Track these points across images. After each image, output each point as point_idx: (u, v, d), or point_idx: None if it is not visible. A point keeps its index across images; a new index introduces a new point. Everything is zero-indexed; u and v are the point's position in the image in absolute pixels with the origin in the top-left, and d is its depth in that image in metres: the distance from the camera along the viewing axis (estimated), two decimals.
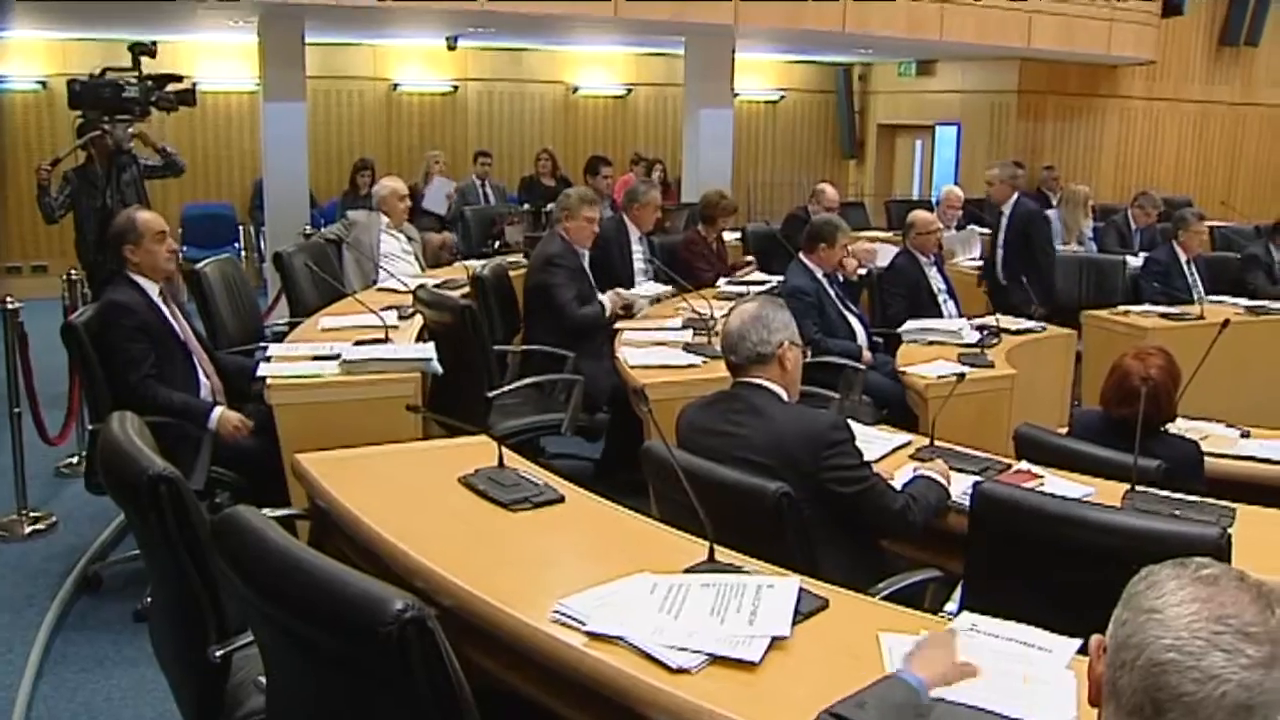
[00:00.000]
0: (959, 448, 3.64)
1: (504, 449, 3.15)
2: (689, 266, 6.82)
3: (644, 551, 2.55)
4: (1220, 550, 2.44)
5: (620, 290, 5.68)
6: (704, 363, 4.68)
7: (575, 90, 13.49)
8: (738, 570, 2.39)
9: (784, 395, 3.05)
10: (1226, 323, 4.83)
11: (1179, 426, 4.03)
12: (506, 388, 5.02)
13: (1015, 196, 7.57)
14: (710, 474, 2.78)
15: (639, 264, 6.59)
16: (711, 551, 2.45)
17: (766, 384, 3.03)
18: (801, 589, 2.29)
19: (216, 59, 11.33)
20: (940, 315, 6.18)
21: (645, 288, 6.05)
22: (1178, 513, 2.99)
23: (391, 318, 5.09)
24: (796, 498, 2.69)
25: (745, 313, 3.09)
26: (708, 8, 8.73)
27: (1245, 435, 4.28)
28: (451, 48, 11.89)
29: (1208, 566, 1.38)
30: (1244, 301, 7.15)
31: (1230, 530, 2.85)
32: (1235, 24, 12.73)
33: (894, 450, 3.62)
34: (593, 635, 2.15)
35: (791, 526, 2.68)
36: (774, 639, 2.10)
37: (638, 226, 6.64)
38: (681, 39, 10.60)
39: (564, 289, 5.55)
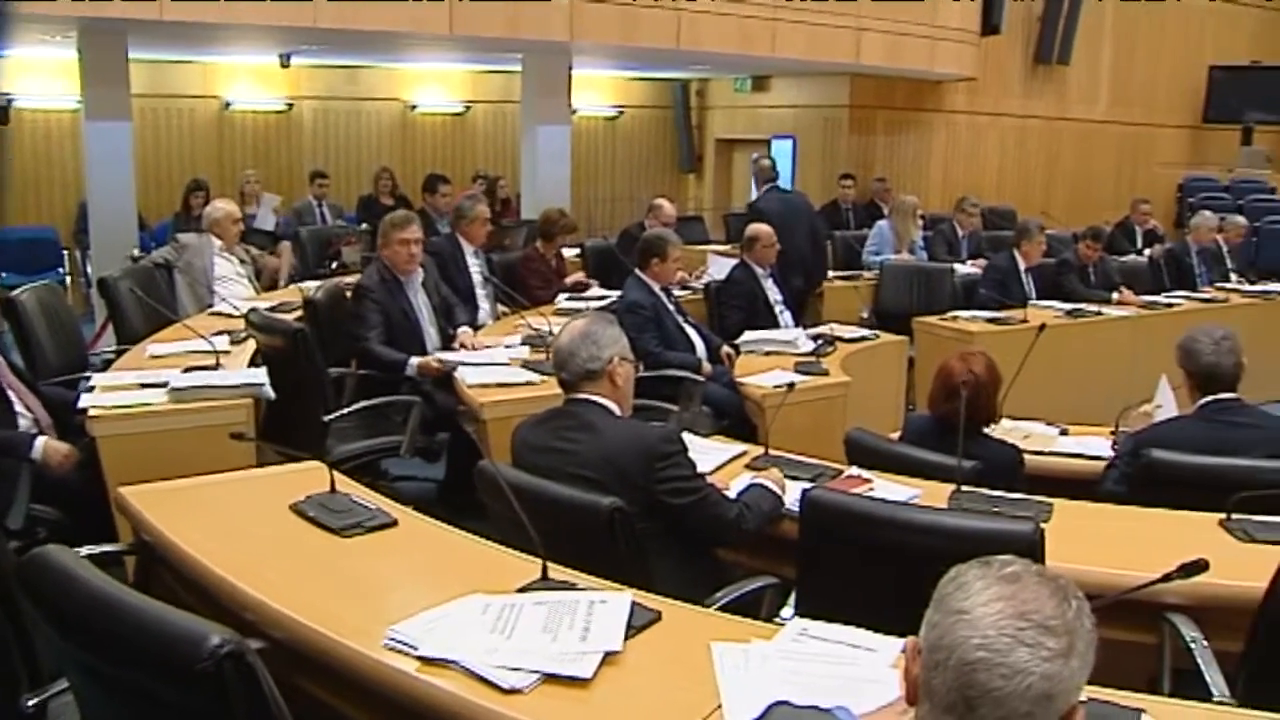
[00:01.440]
0: (793, 455, 3.72)
1: (336, 473, 3.09)
2: (526, 284, 6.83)
3: (477, 572, 2.54)
4: (1034, 545, 2.55)
5: (442, 357, 5.35)
6: (542, 380, 4.66)
7: (413, 108, 13.35)
8: (571, 587, 2.40)
9: (616, 410, 3.06)
10: (1043, 327, 5.08)
11: (1003, 427, 4.20)
12: (342, 411, 4.93)
13: (760, 192, 7.98)
14: (543, 491, 2.78)
15: (476, 278, 6.52)
16: (544, 570, 2.45)
17: (598, 399, 3.04)
18: (634, 603, 2.31)
19: (35, 75, 10.85)
20: (777, 326, 6.32)
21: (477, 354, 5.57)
22: (999, 510, 3.12)
23: (223, 343, 4.96)
24: (630, 511, 2.71)
25: (575, 330, 3.10)
26: (542, 24, 8.74)
27: (1064, 433, 4.47)
28: (285, 65, 11.65)
29: (1010, 564, 1.46)
30: (1066, 305, 7.48)
31: (1044, 525, 3.00)
32: (1047, 44, 13.34)
33: (730, 460, 3.67)
34: (425, 660, 2.13)
35: (625, 541, 2.70)
36: (606, 654, 2.11)
37: (470, 242, 6.59)
38: (519, 56, 10.60)
39: (362, 320, 5.42)
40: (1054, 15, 13.23)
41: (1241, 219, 10.33)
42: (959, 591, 1.45)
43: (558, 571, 2.48)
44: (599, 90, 14.09)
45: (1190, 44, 15.06)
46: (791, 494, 3.23)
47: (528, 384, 4.71)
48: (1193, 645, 2.70)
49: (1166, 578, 2.07)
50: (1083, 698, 2.04)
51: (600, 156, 14.26)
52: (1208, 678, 2.61)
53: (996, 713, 1.37)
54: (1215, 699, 2.55)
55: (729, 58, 10.48)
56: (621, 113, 14.47)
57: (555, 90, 10.68)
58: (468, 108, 13.59)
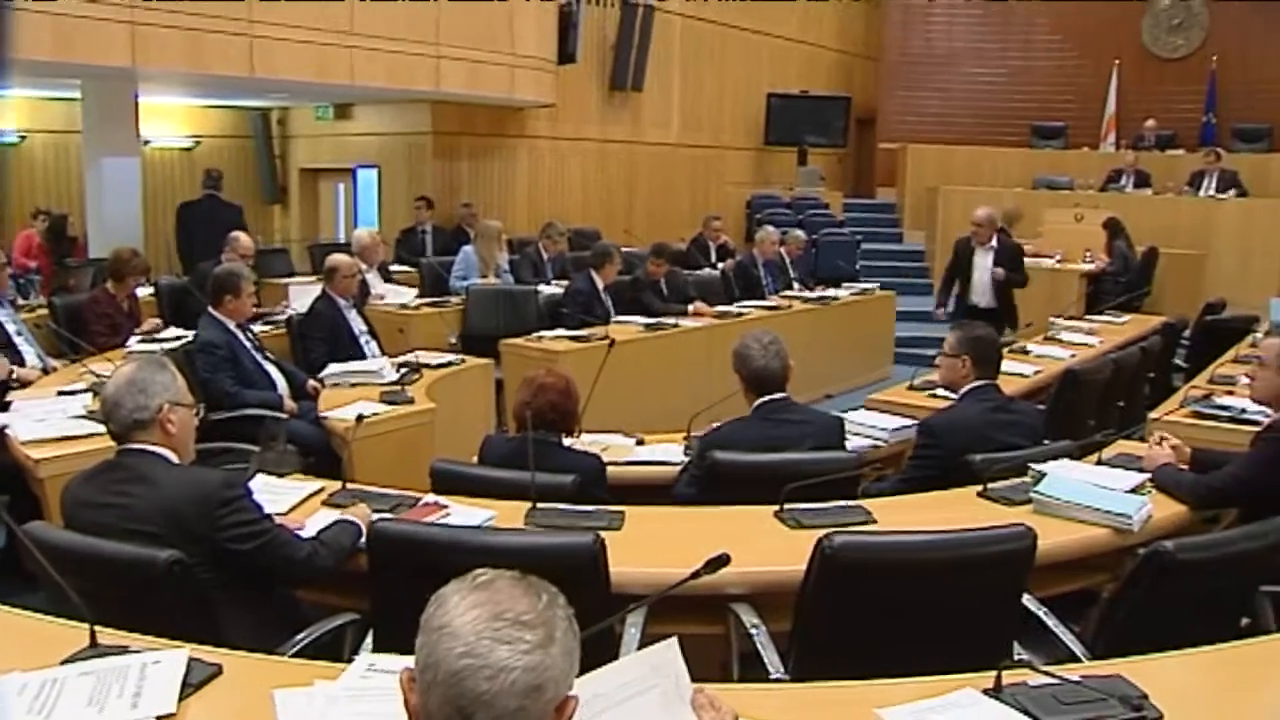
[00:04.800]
0: (374, 488, 3.67)
1: None
2: (90, 328, 6.38)
3: (17, 649, 2.34)
4: (594, 555, 2.67)
5: None
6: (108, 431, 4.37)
7: None
8: (123, 651, 2.26)
9: (173, 458, 2.91)
10: (612, 342, 5.32)
11: (583, 441, 4.36)
12: None
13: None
14: (93, 551, 2.61)
15: (10, 328, 5.96)
16: (93, 636, 2.29)
17: (153, 449, 2.88)
18: (192, 659, 2.21)
19: None
20: (363, 356, 6.22)
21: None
22: (569, 524, 3.22)
23: None
24: (191, 563, 2.59)
25: (120, 378, 2.91)
26: (99, 48, 8.13)
27: (640, 442, 4.68)
28: None
29: (484, 574, 1.54)
30: (645, 320, 7.84)
31: (614, 533, 3.14)
32: (621, 71, 13.97)
33: (306, 498, 3.58)
34: None
35: (187, 594, 2.58)
36: (159, 719, 2.01)
37: None
38: (78, 82, 9.89)
39: None
40: (626, 45, 13.88)
41: (801, 232, 11.28)
42: (439, 610, 1.50)
43: (110, 636, 2.33)
44: (172, 119, 13.35)
45: (750, 74, 16.31)
46: None
47: (93, 435, 4.38)
48: (753, 631, 2.92)
49: (695, 575, 2.21)
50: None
51: (177, 189, 13.47)
52: (766, 659, 2.84)
53: (490, 714, 1.42)
54: (773, 677, 2.77)
55: (307, 86, 10.22)
56: (198, 143, 13.78)
57: (121, 119, 10.07)
58: (23, 137, 12.48)
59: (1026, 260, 10.92)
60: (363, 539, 3.13)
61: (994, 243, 8.77)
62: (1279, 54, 14.98)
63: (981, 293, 8.81)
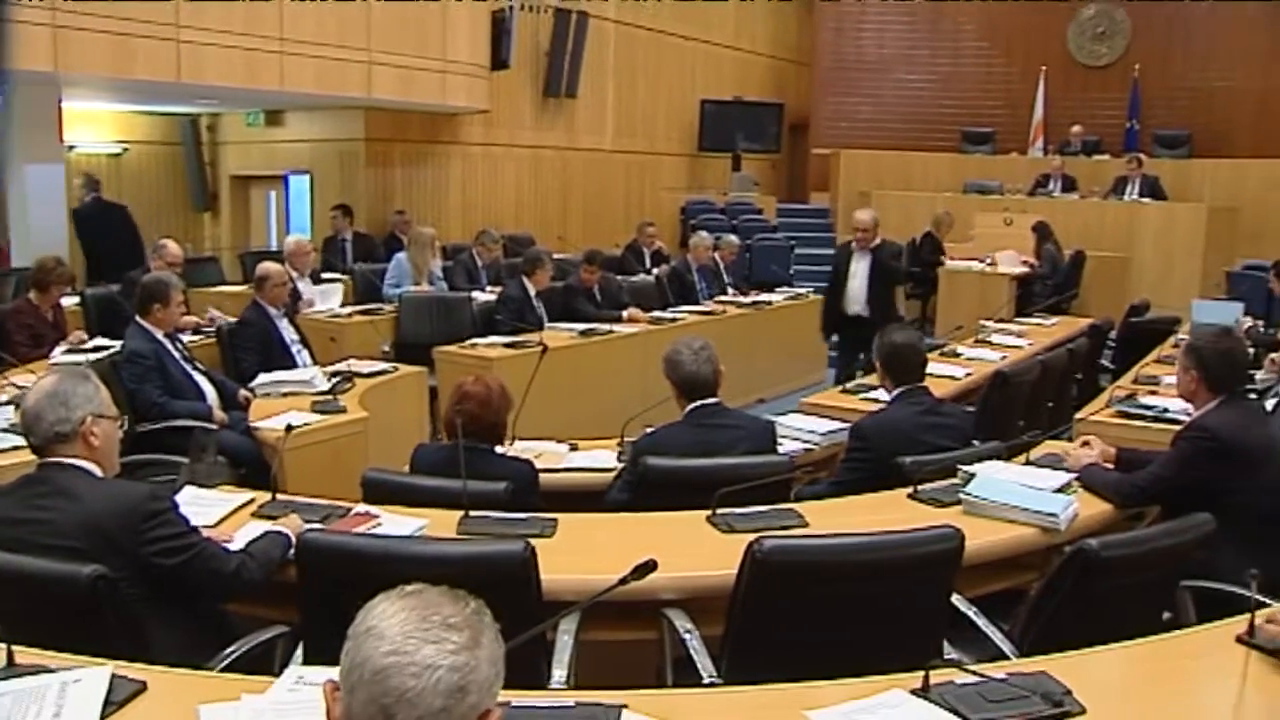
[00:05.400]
0: (304, 498, 3.64)
1: None
2: (12, 339, 6.25)
3: None
4: (526, 563, 2.66)
5: None
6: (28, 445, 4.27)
7: None
8: (42, 671, 2.21)
9: (96, 471, 2.85)
10: (545, 349, 5.30)
11: (516, 448, 4.35)
12: None
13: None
14: (13, 568, 2.54)
15: None
16: (10, 656, 2.24)
17: (75, 462, 2.82)
18: (115, 676, 2.17)
19: None
20: (295, 366, 6.15)
21: None
22: (502, 532, 3.21)
23: None
24: (115, 578, 2.54)
25: (41, 390, 2.85)
26: (20, 52, 7.99)
27: (573, 448, 4.68)
28: None
29: (412, 585, 1.56)
30: (579, 326, 7.83)
31: (546, 540, 3.14)
32: (555, 78, 13.95)
33: (235, 510, 3.53)
34: None
35: (112, 610, 2.53)
36: None
37: None
38: None
39: None
40: (559, 52, 13.86)
41: (734, 238, 11.33)
42: (368, 616, 1.53)
43: (29, 655, 2.28)
44: (99, 125, 13.08)
45: (683, 80, 16.37)
46: None
47: (11, 449, 4.29)
48: (686, 636, 2.93)
49: (623, 581, 2.22)
50: (540, 703, 2.16)
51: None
52: (698, 663, 2.85)
53: (413, 714, 1.43)
54: (706, 682, 2.79)
55: (236, 91, 10.10)
56: (126, 149, 13.51)
57: (44, 125, 9.84)
58: None
59: (959, 264, 11.18)
60: (292, 550, 3.10)
61: (876, 243, 8.32)
62: (1198, 63, 15.33)
63: (858, 301, 8.26)
